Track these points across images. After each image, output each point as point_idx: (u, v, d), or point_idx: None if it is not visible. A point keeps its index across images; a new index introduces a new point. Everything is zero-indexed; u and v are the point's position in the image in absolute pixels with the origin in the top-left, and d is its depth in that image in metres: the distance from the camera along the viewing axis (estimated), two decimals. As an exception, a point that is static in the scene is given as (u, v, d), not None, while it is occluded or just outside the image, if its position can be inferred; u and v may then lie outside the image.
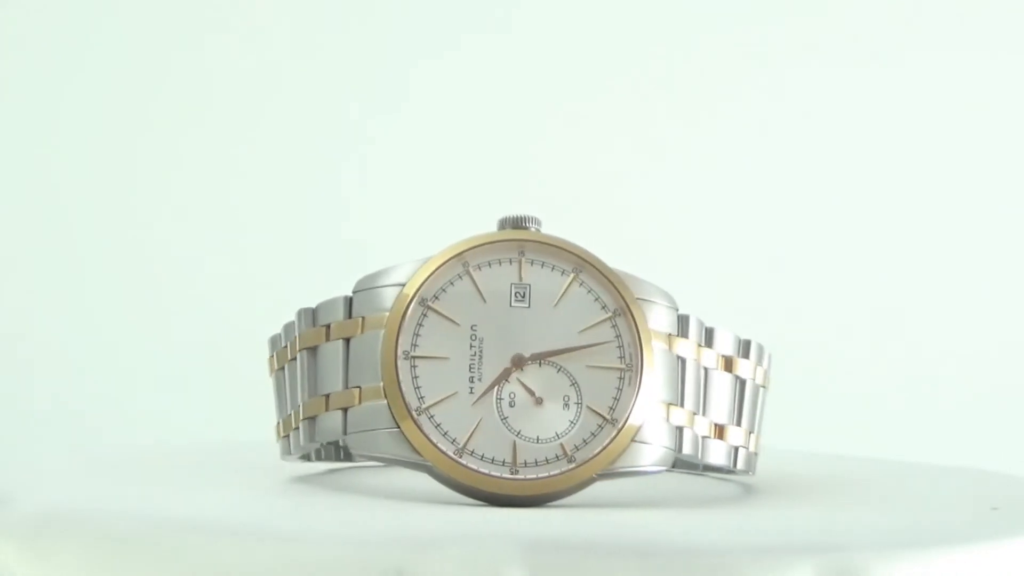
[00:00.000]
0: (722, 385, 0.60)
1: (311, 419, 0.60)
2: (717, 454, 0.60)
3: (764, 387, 0.63)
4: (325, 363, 0.59)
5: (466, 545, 0.46)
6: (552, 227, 0.62)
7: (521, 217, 0.60)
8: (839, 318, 1.08)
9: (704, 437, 0.60)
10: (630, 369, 0.58)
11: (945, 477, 0.69)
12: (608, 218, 1.05)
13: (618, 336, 0.58)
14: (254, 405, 0.83)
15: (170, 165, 1.02)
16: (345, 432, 0.58)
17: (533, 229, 0.60)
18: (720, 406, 0.60)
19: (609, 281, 0.59)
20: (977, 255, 1.08)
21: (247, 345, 0.93)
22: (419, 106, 1.04)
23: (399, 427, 0.57)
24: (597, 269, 0.59)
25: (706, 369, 0.60)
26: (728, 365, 0.61)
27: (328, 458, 0.67)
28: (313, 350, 0.60)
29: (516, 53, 1.06)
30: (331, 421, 0.59)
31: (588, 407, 0.57)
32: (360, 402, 0.58)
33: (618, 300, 0.58)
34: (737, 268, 1.07)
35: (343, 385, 0.58)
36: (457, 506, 0.57)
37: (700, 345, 0.60)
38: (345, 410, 0.58)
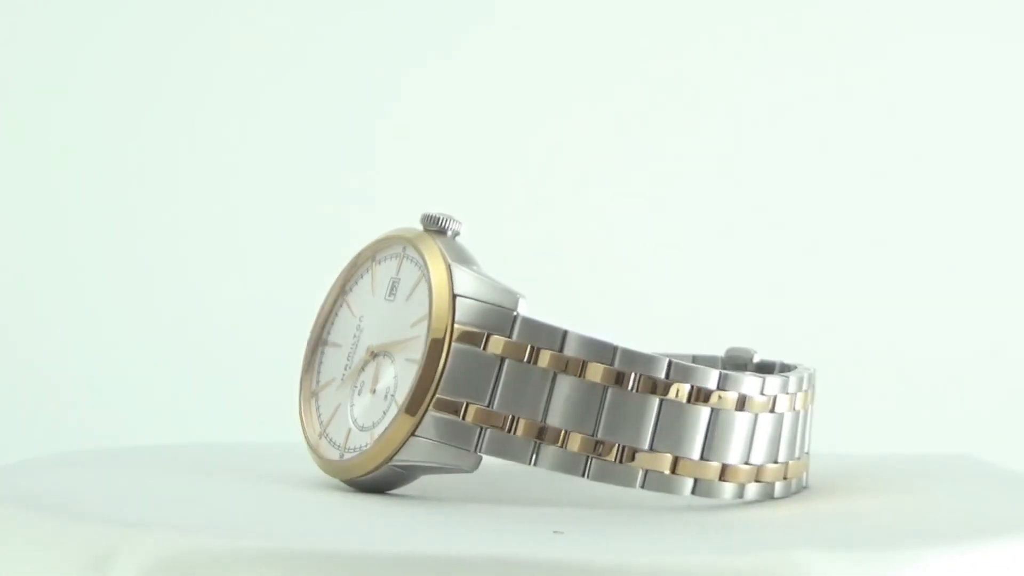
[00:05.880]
0: (577, 394, 0.57)
1: None
2: (561, 463, 0.57)
3: (670, 400, 0.57)
4: None
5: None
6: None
7: (438, 216, 0.61)
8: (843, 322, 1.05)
9: (538, 443, 0.57)
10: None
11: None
12: (607, 221, 1.01)
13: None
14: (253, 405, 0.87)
15: (170, 164, 1.03)
16: None
17: (450, 231, 0.61)
18: (569, 415, 0.57)
19: (432, 277, 0.59)
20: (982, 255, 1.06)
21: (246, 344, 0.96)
22: (418, 104, 1.01)
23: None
24: (430, 265, 0.59)
25: (558, 375, 0.57)
26: (617, 379, 0.57)
27: None
28: None
29: (516, 54, 1.02)
30: None
31: (394, 398, 0.59)
32: None
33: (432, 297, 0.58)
34: (740, 272, 1.03)
35: None
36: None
37: (551, 351, 0.57)
38: None
